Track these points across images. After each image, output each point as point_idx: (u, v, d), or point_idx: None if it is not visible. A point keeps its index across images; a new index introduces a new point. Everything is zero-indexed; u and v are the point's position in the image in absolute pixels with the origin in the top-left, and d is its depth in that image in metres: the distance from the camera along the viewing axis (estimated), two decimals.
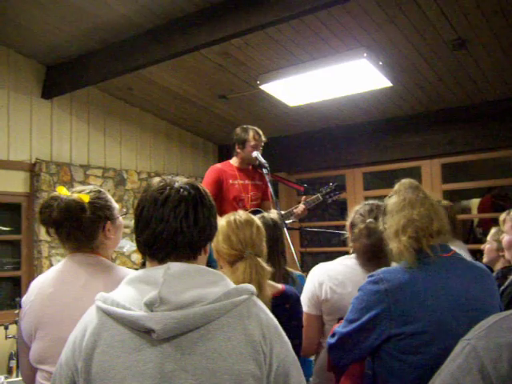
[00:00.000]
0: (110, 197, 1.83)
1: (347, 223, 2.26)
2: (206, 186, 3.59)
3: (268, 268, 1.81)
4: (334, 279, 2.16)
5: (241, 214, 1.92)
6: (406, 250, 1.67)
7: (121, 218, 1.85)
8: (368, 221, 2.13)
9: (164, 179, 1.26)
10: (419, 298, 1.58)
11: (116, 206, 1.84)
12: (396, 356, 1.60)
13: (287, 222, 3.55)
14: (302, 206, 3.77)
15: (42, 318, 1.64)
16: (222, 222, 1.90)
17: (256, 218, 1.95)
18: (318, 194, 3.85)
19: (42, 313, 1.64)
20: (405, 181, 1.82)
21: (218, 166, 3.84)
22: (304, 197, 3.87)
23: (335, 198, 3.88)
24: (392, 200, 1.79)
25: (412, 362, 1.57)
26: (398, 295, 1.60)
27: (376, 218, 2.14)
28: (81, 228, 1.70)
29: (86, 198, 1.71)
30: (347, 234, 2.25)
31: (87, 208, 1.69)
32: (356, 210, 2.25)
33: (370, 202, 2.28)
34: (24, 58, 4.88)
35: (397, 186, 1.82)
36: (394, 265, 1.99)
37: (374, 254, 2.07)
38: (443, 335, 1.55)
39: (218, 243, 1.87)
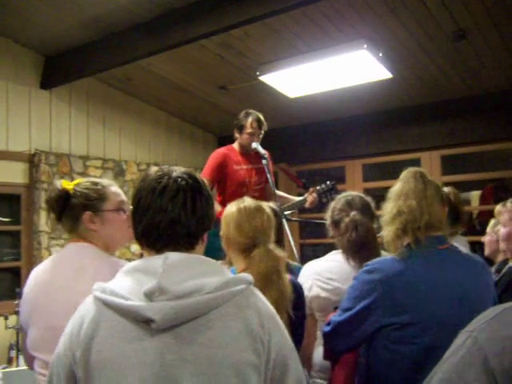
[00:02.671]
0: (107, 190, 1.79)
1: (327, 222, 2.27)
2: (209, 169, 3.60)
3: (282, 255, 1.83)
4: (321, 276, 2.19)
5: (250, 202, 1.92)
6: (391, 240, 1.70)
7: (117, 213, 1.79)
8: (352, 214, 2.14)
9: (162, 169, 1.25)
10: (412, 288, 1.59)
11: (112, 199, 1.79)
12: (388, 346, 1.61)
13: (286, 213, 3.53)
14: (314, 194, 3.69)
15: (36, 306, 1.66)
16: (231, 209, 1.91)
17: (266, 206, 1.95)
18: (328, 182, 3.76)
19: (36, 301, 1.67)
20: (410, 169, 1.82)
21: (223, 150, 3.76)
22: (312, 188, 3.77)
23: (330, 198, 3.80)
24: (394, 187, 1.80)
25: (404, 352, 1.58)
26: (391, 285, 1.61)
27: (357, 209, 2.16)
28: (64, 212, 1.75)
29: (69, 186, 1.75)
30: (331, 231, 2.26)
31: (67, 194, 1.74)
32: (333, 207, 2.26)
33: (346, 194, 2.31)
34: (23, 49, 4.85)
35: (402, 174, 1.83)
36: (384, 254, 2.01)
37: (362, 245, 2.08)
38: (435, 326, 1.56)
39: (229, 232, 1.87)
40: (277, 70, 4.47)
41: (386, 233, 1.73)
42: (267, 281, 1.73)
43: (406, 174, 1.81)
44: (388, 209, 1.76)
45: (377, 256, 1.96)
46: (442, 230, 1.74)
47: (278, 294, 1.73)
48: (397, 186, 1.79)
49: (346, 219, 2.13)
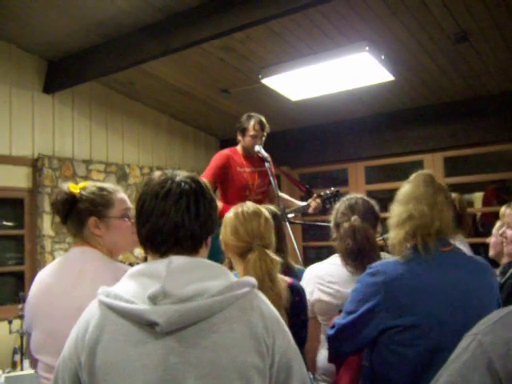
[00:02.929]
0: (113, 196, 1.79)
1: (331, 223, 2.26)
2: (211, 170, 3.59)
3: (277, 259, 1.82)
4: (322, 280, 2.19)
5: (249, 206, 1.92)
6: (398, 244, 1.68)
7: (121, 220, 1.79)
8: (352, 219, 2.13)
9: (165, 173, 1.26)
10: (415, 291, 1.59)
11: (117, 205, 1.79)
12: (392, 349, 1.61)
13: (290, 216, 3.52)
14: (318, 200, 3.65)
15: (38, 309, 1.67)
16: (229, 213, 1.91)
17: (264, 210, 1.95)
18: (333, 188, 3.74)
19: (38, 304, 1.68)
20: (420, 172, 1.80)
21: (227, 151, 3.75)
22: (316, 194, 3.75)
23: (334, 205, 3.74)
24: (402, 190, 1.78)
25: (407, 354, 1.57)
26: (394, 288, 1.60)
27: (359, 213, 2.14)
28: (69, 216, 1.75)
29: (76, 189, 1.75)
30: (334, 234, 2.24)
31: (73, 198, 1.74)
32: (337, 208, 2.25)
33: (350, 196, 2.29)
34: (25, 53, 4.87)
35: (412, 177, 1.80)
36: (387, 256, 1.99)
37: (359, 253, 2.07)
38: (438, 329, 1.55)
39: (225, 235, 1.88)
40: (279, 72, 4.47)
41: (393, 235, 1.71)
42: (261, 285, 1.73)
43: (415, 176, 1.78)
44: (396, 211, 1.73)
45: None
46: (449, 234, 1.73)
47: (272, 298, 1.73)
48: (406, 189, 1.76)
49: (345, 225, 2.12)
